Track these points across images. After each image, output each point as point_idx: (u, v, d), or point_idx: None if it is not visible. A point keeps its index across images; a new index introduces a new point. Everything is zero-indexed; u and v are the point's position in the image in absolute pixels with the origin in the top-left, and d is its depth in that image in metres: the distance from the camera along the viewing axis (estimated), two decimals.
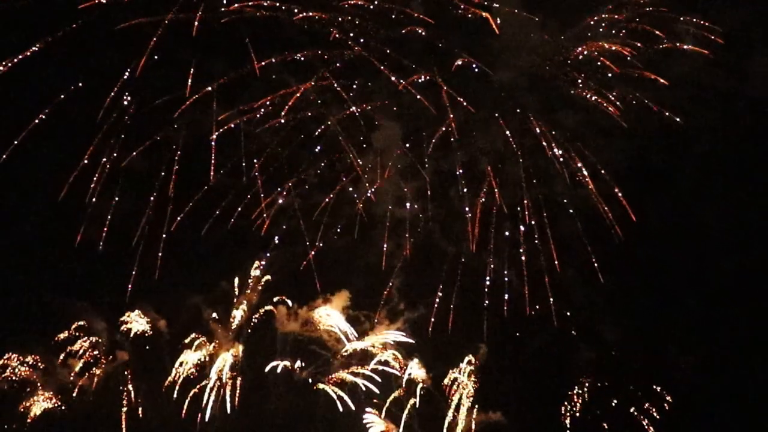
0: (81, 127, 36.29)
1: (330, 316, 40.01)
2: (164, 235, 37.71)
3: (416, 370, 39.81)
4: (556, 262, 39.03)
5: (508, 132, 39.53)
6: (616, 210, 38.58)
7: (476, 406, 40.48)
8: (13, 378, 36.84)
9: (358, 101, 39.51)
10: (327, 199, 39.34)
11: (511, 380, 41.06)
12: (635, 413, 39.45)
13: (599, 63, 37.47)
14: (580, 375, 40.23)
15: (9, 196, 37.19)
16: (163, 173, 37.83)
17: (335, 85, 38.89)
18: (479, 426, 40.36)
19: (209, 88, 36.56)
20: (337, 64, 39.08)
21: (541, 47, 38.67)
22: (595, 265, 38.54)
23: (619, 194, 38.28)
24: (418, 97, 38.72)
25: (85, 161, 36.36)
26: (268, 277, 40.23)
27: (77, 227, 36.65)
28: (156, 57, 35.59)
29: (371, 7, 38.59)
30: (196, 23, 35.69)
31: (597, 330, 39.87)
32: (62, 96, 35.63)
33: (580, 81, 37.66)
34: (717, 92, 37.21)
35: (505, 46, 38.61)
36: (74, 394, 38.01)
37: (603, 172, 38.88)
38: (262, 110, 38.22)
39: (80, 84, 35.99)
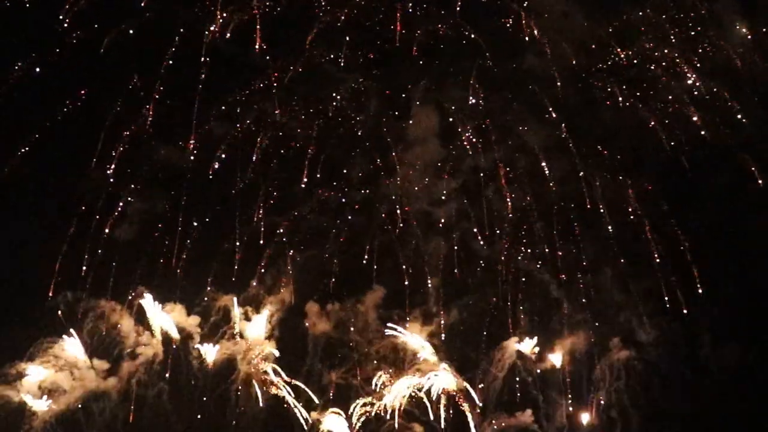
0: (108, 126, 35.77)
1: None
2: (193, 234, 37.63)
3: (445, 377, 39.33)
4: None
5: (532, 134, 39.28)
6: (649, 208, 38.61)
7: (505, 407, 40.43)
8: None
9: (392, 98, 39.11)
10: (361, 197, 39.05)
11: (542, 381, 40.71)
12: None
13: (642, 63, 36.81)
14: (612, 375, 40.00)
15: (29, 197, 36.42)
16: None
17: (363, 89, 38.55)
18: (509, 428, 40.28)
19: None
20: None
21: (579, 42, 37.72)
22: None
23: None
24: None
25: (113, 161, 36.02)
26: (299, 276, 39.58)
27: (104, 224, 36.48)
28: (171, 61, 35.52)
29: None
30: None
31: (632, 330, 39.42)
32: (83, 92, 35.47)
33: (624, 85, 36.99)
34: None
35: (544, 42, 37.79)
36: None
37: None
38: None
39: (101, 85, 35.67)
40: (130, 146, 36.25)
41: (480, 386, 39.95)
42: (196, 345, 38.10)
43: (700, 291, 37.22)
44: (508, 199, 39.08)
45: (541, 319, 39.94)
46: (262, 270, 38.90)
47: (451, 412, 39.10)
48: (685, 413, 38.27)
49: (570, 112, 38.60)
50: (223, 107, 36.95)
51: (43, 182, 35.68)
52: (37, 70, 34.36)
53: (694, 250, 37.28)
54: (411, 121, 39.40)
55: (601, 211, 38.29)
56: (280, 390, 38.11)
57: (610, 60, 37.67)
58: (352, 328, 39.68)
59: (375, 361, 39.34)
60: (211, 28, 35.74)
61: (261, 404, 38.21)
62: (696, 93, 36.19)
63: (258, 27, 35.95)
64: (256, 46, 36.15)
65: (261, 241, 38.35)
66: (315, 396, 38.45)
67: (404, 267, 38.87)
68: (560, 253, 39.03)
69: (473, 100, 38.94)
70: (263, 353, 38.43)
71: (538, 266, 39.62)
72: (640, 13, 36.72)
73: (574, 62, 37.72)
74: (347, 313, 39.59)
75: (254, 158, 38.00)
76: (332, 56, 37.37)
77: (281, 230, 38.82)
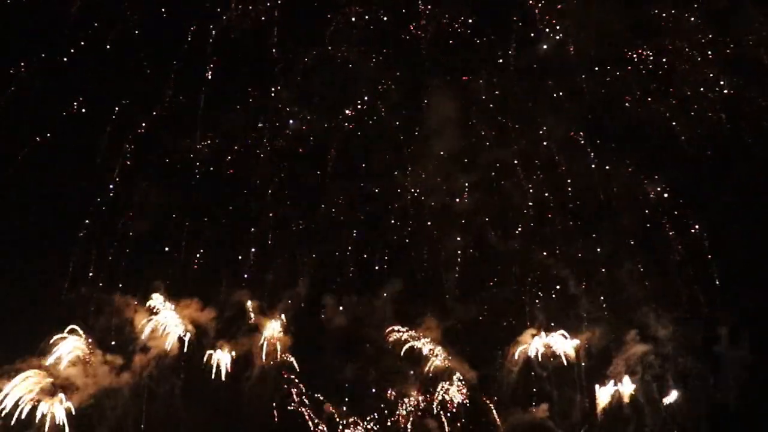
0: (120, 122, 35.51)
1: None
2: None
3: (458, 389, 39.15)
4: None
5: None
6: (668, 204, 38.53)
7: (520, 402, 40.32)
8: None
9: (409, 92, 38.75)
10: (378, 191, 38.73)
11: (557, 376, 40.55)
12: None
13: (663, 57, 36.63)
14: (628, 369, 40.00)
15: (40, 194, 35.63)
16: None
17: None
18: (523, 423, 40.16)
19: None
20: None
21: (599, 35, 37.41)
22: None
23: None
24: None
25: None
26: (315, 270, 39.09)
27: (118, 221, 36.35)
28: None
29: None
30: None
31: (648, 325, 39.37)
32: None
33: (644, 79, 36.76)
34: None
35: (564, 36, 37.58)
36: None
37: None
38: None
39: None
40: (145, 141, 35.97)
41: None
42: (209, 351, 37.50)
43: (717, 287, 37.37)
44: (527, 193, 39.04)
45: (557, 314, 39.78)
46: (277, 265, 38.58)
47: (463, 419, 39.07)
48: (701, 408, 38.50)
49: (589, 105, 38.54)
50: (239, 105, 36.63)
51: (54, 179, 34.95)
52: (46, 67, 34.03)
53: (713, 246, 37.39)
54: (427, 115, 39.19)
55: (619, 206, 38.30)
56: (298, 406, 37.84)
57: (630, 53, 37.51)
58: (367, 323, 39.51)
59: (391, 356, 39.11)
60: (225, 24, 35.44)
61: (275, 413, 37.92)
62: (717, 88, 36.09)
63: (276, 18, 35.72)
64: (273, 41, 35.93)
65: (270, 238, 38.38)
66: (330, 393, 38.29)
67: (420, 262, 38.89)
68: (579, 252, 38.96)
69: (489, 95, 38.81)
70: (282, 357, 38.00)
71: (556, 261, 39.56)
72: (662, 6, 36.43)
73: (593, 55, 37.66)
74: (363, 307, 39.28)
75: (270, 153, 37.77)
76: (349, 51, 37.10)
77: (295, 225, 38.52)
